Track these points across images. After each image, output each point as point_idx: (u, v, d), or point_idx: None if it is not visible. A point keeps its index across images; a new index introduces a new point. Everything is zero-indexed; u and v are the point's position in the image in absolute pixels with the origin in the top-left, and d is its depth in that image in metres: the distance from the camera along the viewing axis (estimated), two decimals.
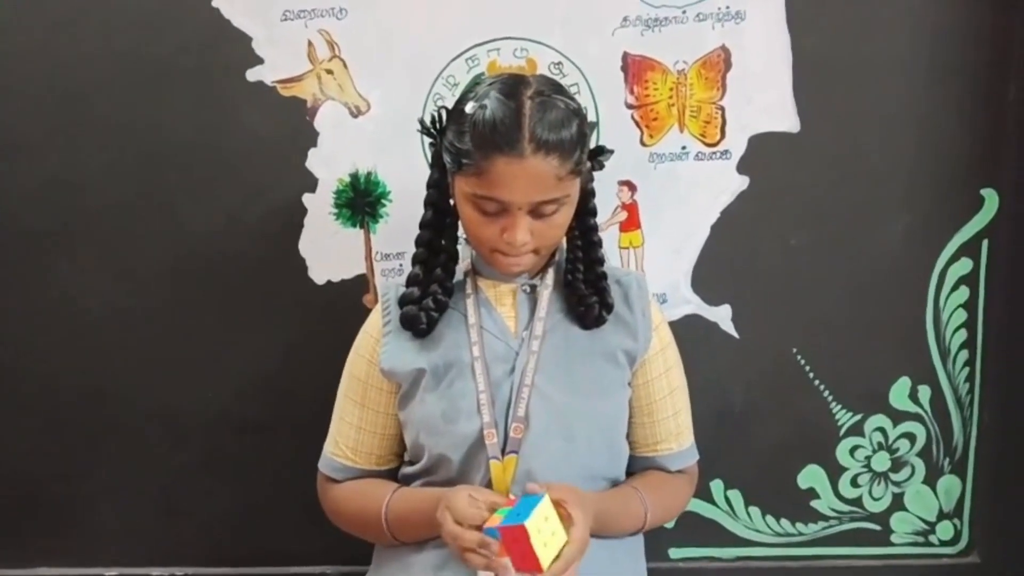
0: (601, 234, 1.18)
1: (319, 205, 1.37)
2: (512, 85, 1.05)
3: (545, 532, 0.96)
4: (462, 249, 1.18)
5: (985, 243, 1.39)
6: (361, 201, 1.37)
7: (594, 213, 1.17)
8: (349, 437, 1.21)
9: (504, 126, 1.01)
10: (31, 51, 1.34)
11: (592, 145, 1.11)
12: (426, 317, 1.14)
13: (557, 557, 0.97)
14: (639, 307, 1.18)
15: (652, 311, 1.20)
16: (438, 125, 1.11)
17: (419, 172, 1.34)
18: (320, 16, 1.33)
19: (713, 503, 1.45)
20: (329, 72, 1.34)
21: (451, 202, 1.14)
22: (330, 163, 1.36)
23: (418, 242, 1.16)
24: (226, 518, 1.47)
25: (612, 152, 1.14)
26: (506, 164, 1.02)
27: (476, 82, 1.10)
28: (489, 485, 1.09)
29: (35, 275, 1.41)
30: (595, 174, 1.15)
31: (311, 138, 1.36)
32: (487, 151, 1.02)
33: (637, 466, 1.22)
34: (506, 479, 1.08)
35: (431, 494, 1.09)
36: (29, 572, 1.48)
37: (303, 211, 1.38)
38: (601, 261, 1.17)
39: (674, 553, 1.46)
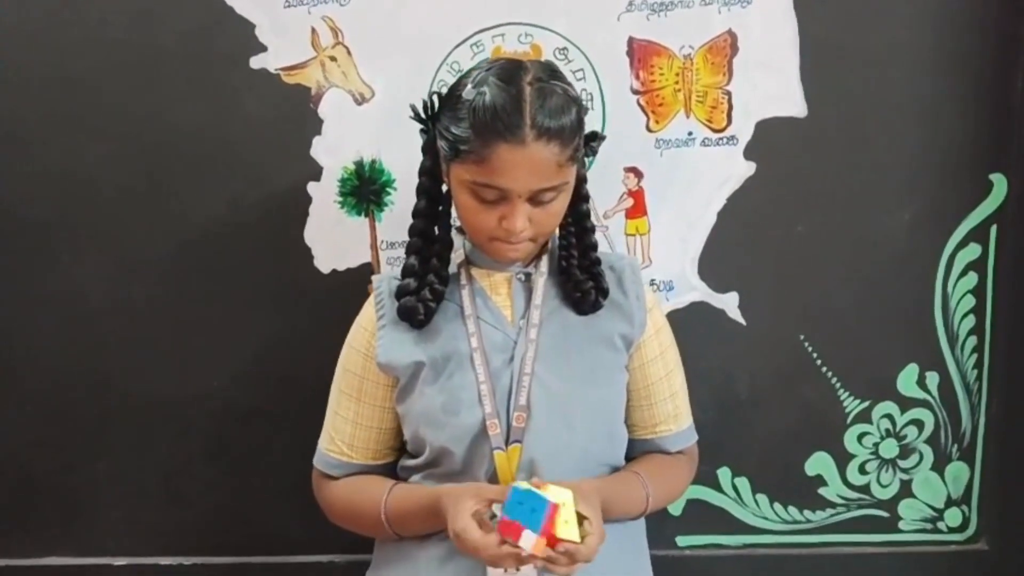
0: (607, 221, 1.18)
1: (324, 193, 1.37)
2: (510, 71, 1.04)
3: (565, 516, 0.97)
4: (455, 238, 1.17)
5: (994, 228, 1.38)
6: (366, 189, 1.36)
7: (587, 199, 1.16)
8: (345, 433, 1.19)
9: (505, 112, 1.00)
10: (32, 39, 1.33)
11: (587, 130, 1.10)
12: (424, 308, 1.12)
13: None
14: (633, 291, 1.18)
15: (646, 294, 1.19)
16: (430, 111, 1.10)
17: None
18: (323, 2, 1.32)
19: (720, 490, 1.45)
20: (333, 59, 1.33)
21: (444, 190, 1.13)
22: (334, 151, 1.36)
23: (412, 231, 1.14)
24: (232, 507, 1.47)
25: (604, 138, 1.13)
26: (508, 151, 1.00)
27: (471, 68, 1.08)
28: (494, 476, 1.08)
29: (37, 265, 1.40)
30: (601, 161, 1.14)
31: (315, 126, 1.35)
32: (488, 138, 1.01)
33: (637, 449, 1.21)
34: (511, 469, 1.08)
35: (430, 493, 1.08)
36: (37, 562, 1.48)
37: (308, 200, 1.37)
38: (595, 247, 1.16)
39: (681, 541, 1.46)
